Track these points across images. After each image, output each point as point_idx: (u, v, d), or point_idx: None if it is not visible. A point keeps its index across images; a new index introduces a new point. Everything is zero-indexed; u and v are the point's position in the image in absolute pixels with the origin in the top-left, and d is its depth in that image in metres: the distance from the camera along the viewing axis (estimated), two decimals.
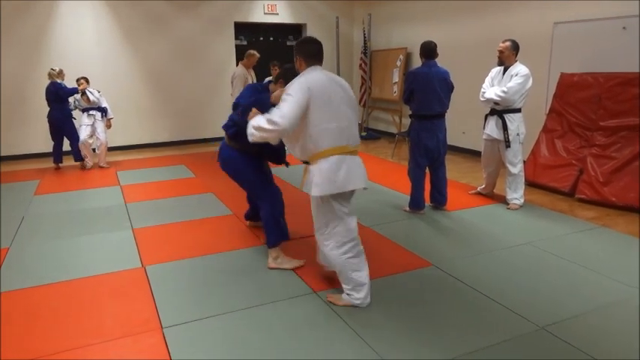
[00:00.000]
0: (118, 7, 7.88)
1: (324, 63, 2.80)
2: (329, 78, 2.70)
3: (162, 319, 2.73)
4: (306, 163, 2.77)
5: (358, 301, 2.79)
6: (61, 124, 6.62)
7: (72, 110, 6.71)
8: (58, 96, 6.45)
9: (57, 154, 6.75)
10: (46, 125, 6.66)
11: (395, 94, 8.59)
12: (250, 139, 2.63)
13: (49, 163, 6.92)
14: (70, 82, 6.62)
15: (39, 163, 7.18)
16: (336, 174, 2.60)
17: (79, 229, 4.26)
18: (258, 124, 2.54)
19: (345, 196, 2.73)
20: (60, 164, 6.82)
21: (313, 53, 2.73)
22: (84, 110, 6.71)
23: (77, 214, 4.69)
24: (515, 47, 4.47)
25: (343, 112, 2.67)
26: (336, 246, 2.76)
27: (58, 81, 6.49)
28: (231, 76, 6.93)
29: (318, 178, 2.61)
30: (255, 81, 6.89)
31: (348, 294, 2.81)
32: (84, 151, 6.76)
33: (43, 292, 3.10)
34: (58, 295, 3.05)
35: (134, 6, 7.99)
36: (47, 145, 7.00)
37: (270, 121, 2.49)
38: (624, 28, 5.05)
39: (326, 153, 2.61)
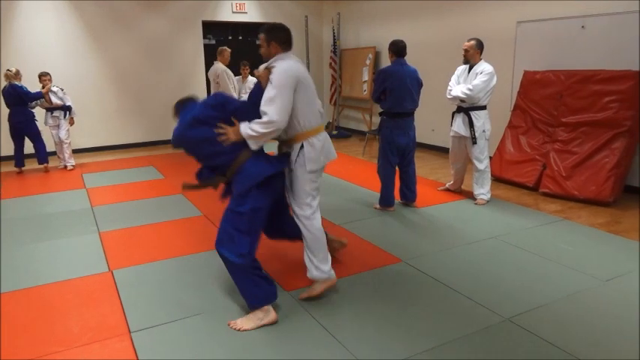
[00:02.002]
0: (81, 6, 7.67)
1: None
2: (301, 64, 2.84)
3: (130, 323, 2.68)
4: (281, 142, 2.89)
5: (326, 275, 2.88)
6: (24, 127, 6.40)
7: (33, 109, 6.48)
8: (20, 99, 6.23)
9: (18, 158, 6.52)
10: (6, 128, 6.43)
11: (365, 93, 8.65)
12: (254, 147, 2.62)
13: (10, 167, 6.69)
14: (30, 82, 6.40)
15: None
16: (324, 148, 2.85)
17: (43, 234, 4.14)
18: (258, 132, 2.55)
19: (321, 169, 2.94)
20: (22, 168, 6.59)
21: (287, 39, 2.82)
22: (47, 109, 6.53)
23: (41, 219, 4.55)
24: (479, 46, 4.56)
25: (316, 95, 2.90)
26: (315, 215, 2.88)
27: (17, 83, 6.27)
28: (214, 74, 6.78)
29: (313, 154, 2.79)
30: None
31: (316, 267, 2.87)
32: (60, 154, 6.67)
33: (5, 299, 3.00)
34: (22, 302, 2.95)
35: (98, 5, 7.78)
36: (7, 149, 6.76)
37: (267, 123, 2.55)
38: (583, 27, 5.22)
39: (314, 131, 2.81)
